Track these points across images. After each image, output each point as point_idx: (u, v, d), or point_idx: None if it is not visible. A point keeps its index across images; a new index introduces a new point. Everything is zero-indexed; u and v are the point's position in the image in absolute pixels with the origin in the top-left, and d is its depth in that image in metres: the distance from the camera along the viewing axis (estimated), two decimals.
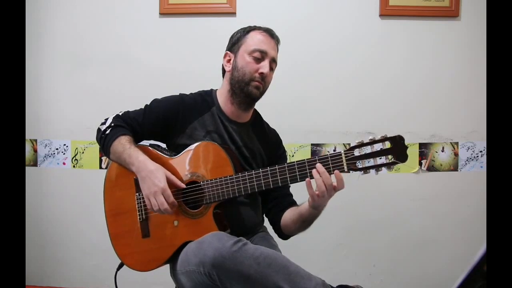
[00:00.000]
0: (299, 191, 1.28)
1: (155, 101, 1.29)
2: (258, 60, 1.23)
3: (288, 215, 1.25)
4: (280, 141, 1.41)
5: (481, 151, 2.07)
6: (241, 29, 1.30)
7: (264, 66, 1.22)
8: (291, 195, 1.33)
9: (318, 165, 1.05)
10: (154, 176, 1.11)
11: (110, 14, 2.08)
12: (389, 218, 2.06)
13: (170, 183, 1.12)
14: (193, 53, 2.06)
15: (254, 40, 1.24)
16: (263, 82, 1.24)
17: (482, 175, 2.05)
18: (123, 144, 1.19)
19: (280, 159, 1.37)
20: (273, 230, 1.34)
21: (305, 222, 1.19)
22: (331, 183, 1.04)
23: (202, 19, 2.06)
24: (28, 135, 2.10)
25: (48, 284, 2.11)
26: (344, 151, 1.06)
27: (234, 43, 1.28)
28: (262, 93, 1.27)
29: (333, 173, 1.05)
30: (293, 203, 1.29)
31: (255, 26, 1.29)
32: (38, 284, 2.10)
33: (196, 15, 2.05)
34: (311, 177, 1.07)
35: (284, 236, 1.29)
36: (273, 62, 1.26)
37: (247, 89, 1.23)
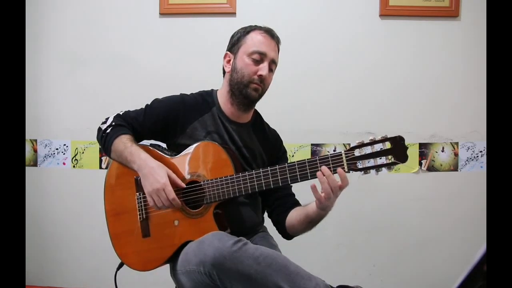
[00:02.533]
0: (301, 191, 1.29)
1: (155, 101, 1.30)
2: (257, 62, 1.22)
3: (294, 216, 1.23)
4: (281, 141, 1.41)
5: (481, 151, 2.07)
6: (241, 28, 1.29)
7: (263, 68, 1.21)
8: (294, 195, 1.32)
9: (324, 168, 1.04)
10: (156, 173, 1.12)
11: (110, 14, 2.08)
12: (389, 218, 2.06)
13: (171, 182, 1.12)
14: (193, 53, 2.06)
15: (254, 41, 1.23)
16: (262, 84, 1.24)
17: (482, 175, 2.05)
18: (124, 142, 1.19)
19: (281, 160, 1.36)
20: (275, 231, 1.33)
21: (311, 222, 1.18)
22: (337, 185, 1.04)
23: (202, 19, 2.06)
24: (28, 135, 2.10)
25: (48, 284, 2.11)
26: (345, 151, 1.06)
27: (234, 44, 1.27)
28: (261, 95, 1.27)
29: (336, 173, 1.05)
30: (296, 203, 1.29)
31: (255, 26, 1.28)
32: (38, 284, 2.10)
33: (196, 15, 2.05)
34: (312, 177, 1.07)
35: (289, 236, 1.28)
36: (272, 63, 1.25)
37: (245, 91, 1.23)
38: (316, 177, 1.07)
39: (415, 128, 2.05)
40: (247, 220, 1.26)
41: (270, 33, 1.26)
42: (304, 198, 1.25)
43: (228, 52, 1.29)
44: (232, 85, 1.25)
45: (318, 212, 1.12)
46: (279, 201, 1.29)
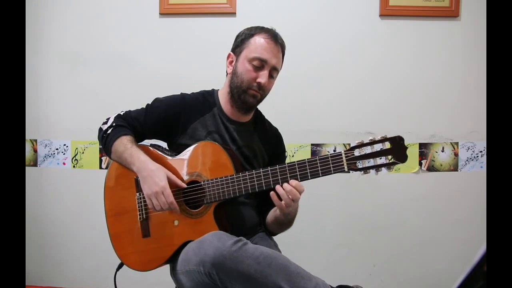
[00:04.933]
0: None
1: (156, 101, 1.29)
2: (258, 69, 1.21)
3: (269, 217, 1.28)
4: (281, 140, 1.41)
5: (481, 151, 2.07)
6: (247, 29, 1.27)
7: (263, 76, 1.20)
8: None
9: (285, 185, 1.08)
10: (155, 176, 1.11)
11: (110, 14, 2.08)
12: (389, 218, 2.06)
13: (171, 183, 1.12)
14: (193, 53, 2.06)
15: (256, 46, 1.21)
16: (261, 91, 1.23)
17: (482, 175, 2.05)
18: (124, 144, 1.19)
19: (279, 158, 1.37)
20: None
21: (282, 225, 1.24)
22: (296, 196, 1.07)
23: (202, 19, 2.06)
24: (28, 135, 2.10)
25: (48, 284, 2.11)
26: (345, 151, 1.06)
27: (238, 45, 1.26)
28: (259, 101, 1.27)
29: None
30: None
31: (261, 28, 1.25)
32: (38, 284, 2.10)
33: (196, 15, 2.05)
34: (312, 177, 1.08)
35: (271, 233, 1.33)
36: (274, 70, 1.24)
37: (244, 97, 1.23)
38: (316, 177, 1.08)
39: (415, 128, 2.05)
40: (247, 220, 1.26)
41: (274, 38, 1.23)
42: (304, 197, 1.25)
43: (231, 53, 1.28)
44: (232, 88, 1.25)
45: (284, 216, 1.17)
46: (267, 200, 1.30)
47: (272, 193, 1.09)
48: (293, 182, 1.08)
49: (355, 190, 2.04)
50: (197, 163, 1.19)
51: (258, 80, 1.21)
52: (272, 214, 1.26)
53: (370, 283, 2.06)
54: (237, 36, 1.28)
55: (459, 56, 2.05)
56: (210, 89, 1.35)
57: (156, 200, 1.11)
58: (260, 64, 1.21)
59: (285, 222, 1.22)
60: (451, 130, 2.06)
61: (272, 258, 0.97)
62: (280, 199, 1.09)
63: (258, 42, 1.22)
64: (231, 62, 1.28)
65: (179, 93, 1.31)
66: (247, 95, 1.22)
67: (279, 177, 1.10)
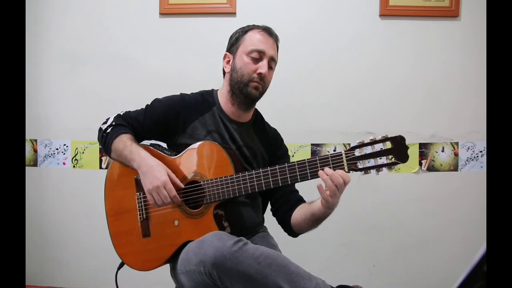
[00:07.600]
0: (303, 189, 1.29)
1: (156, 101, 1.30)
2: (256, 61, 1.22)
3: (299, 214, 1.22)
4: (281, 140, 1.41)
5: (481, 151, 2.07)
6: (240, 29, 1.30)
7: (262, 66, 1.22)
8: (297, 192, 1.31)
9: (326, 169, 1.05)
10: (155, 171, 1.12)
11: (110, 14, 2.08)
12: (389, 218, 2.06)
13: (170, 181, 1.12)
14: (193, 53, 2.06)
15: (252, 40, 1.24)
16: (262, 82, 1.24)
17: (482, 175, 2.05)
18: (124, 141, 1.19)
19: (282, 158, 1.36)
20: (276, 231, 1.33)
21: (318, 220, 1.18)
22: (341, 181, 1.03)
23: (202, 19, 2.06)
24: (28, 135, 2.10)
25: (48, 284, 2.11)
26: (345, 151, 1.06)
27: (233, 44, 1.28)
28: (262, 93, 1.27)
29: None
30: (300, 200, 1.28)
31: (253, 25, 1.29)
32: (38, 284, 2.10)
33: (196, 15, 2.05)
34: (312, 177, 1.07)
35: (294, 234, 1.28)
36: (272, 61, 1.25)
37: (246, 90, 1.23)
38: (316, 177, 1.07)
39: (415, 128, 2.05)
40: (247, 220, 1.26)
41: (268, 31, 1.26)
42: (307, 195, 1.25)
43: (227, 53, 1.30)
44: (232, 85, 1.25)
45: (324, 210, 1.12)
46: (283, 199, 1.29)
47: (318, 185, 1.05)
48: (337, 171, 1.04)
49: (355, 190, 2.03)
50: (197, 163, 1.19)
51: (259, 71, 1.22)
52: (304, 210, 1.20)
53: (370, 283, 2.06)
54: (231, 37, 1.31)
55: (459, 56, 2.05)
56: (209, 89, 1.35)
57: (158, 195, 1.11)
58: (258, 56, 1.22)
59: (322, 217, 1.15)
60: (451, 130, 2.06)
61: (272, 258, 0.97)
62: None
63: (253, 36, 1.25)
64: (228, 62, 1.29)
65: (178, 94, 1.31)
66: (249, 87, 1.23)
67: (279, 177, 1.10)
